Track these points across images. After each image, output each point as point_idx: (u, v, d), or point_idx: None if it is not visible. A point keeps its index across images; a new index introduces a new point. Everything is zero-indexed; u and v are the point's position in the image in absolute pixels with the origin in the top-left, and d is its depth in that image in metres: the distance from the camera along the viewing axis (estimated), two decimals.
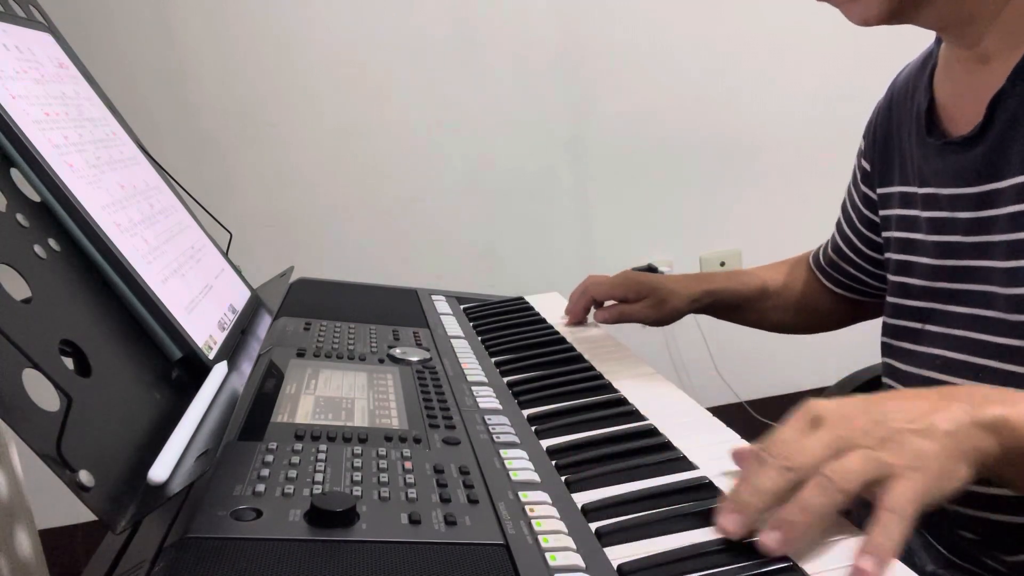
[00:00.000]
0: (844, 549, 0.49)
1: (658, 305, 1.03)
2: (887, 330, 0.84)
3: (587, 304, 1.07)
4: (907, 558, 0.52)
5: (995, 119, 0.69)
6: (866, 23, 0.70)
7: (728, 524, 0.50)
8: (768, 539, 0.48)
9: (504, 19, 1.99)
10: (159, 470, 0.46)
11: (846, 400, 0.53)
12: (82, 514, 1.47)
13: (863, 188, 0.92)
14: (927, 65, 0.81)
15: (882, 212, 0.87)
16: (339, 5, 1.91)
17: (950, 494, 0.50)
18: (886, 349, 0.84)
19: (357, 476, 0.55)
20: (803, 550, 0.49)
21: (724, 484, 0.58)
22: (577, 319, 1.07)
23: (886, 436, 0.50)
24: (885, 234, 0.86)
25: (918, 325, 0.78)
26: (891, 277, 0.83)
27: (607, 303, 1.08)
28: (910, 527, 0.47)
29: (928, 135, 0.77)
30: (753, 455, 0.52)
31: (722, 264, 2.22)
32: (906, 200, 0.82)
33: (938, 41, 0.81)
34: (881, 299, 0.95)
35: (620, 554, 0.50)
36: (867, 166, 0.90)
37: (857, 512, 0.51)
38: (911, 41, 0.89)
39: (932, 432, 0.50)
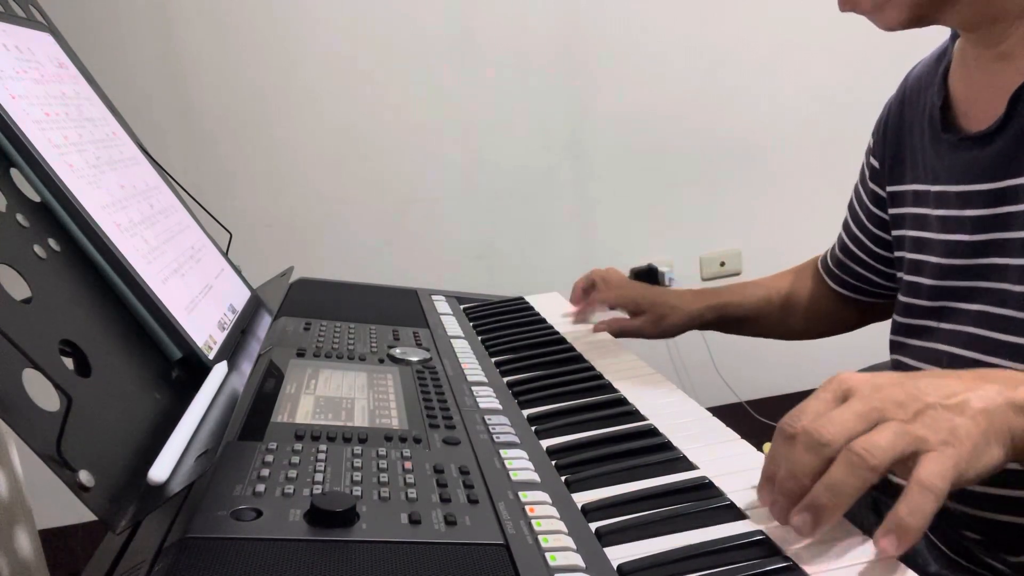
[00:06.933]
0: (844, 549, 0.49)
1: (657, 321, 1.05)
2: (897, 328, 0.83)
3: (589, 293, 1.10)
4: (910, 559, 0.51)
5: (1016, 114, 0.68)
6: (892, 28, 0.70)
7: (771, 511, 0.49)
8: (799, 522, 0.47)
9: (504, 19, 1.99)
10: (159, 470, 0.46)
11: (878, 373, 0.52)
12: (82, 514, 1.46)
13: (871, 185, 0.91)
14: (941, 61, 0.80)
15: (892, 210, 0.86)
16: (339, 5, 1.91)
17: (983, 474, 0.49)
18: (895, 346, 0.83)
19: (357, 476, 0.55)
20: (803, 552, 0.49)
21: (724, 485, 0.58)
22: (577, 300, 1.11)
23: (920, 410, 0.49)
24: (897, 232, 0.85)
25: (929, 323, 0.78)
26: (903, 276, 0.83)
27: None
28: (940, 504, 0.46)
29: (943, 131, 0.77)
30: (781, 432, 0.51)
31: (722, 264, 2.22)
32: (919, 198, 0.81)
33: (953, 37, 0.80)
34: (889, 300, 0.95)
35: (620, 554, 0.50)
36: (876, 163, 0.90)
37: (862, 517, 0.51)
38: (913, 42, 0.88)
39: (966, 408, 0.49)
